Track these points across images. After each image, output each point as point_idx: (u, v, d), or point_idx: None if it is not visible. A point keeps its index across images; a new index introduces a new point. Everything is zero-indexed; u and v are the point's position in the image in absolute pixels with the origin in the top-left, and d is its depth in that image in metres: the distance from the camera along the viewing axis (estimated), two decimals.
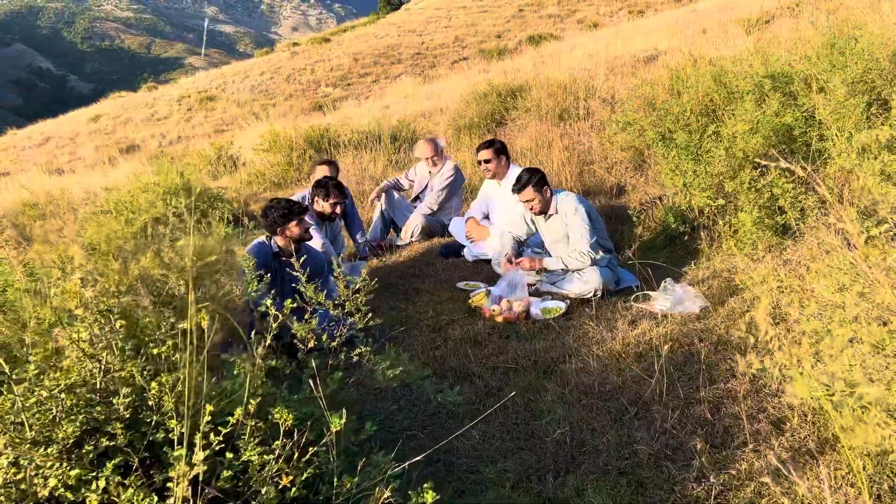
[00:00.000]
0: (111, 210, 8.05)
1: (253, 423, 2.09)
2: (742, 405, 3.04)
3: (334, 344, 3.17)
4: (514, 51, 29.24)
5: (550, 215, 4.93)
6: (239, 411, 2.08)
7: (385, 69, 39.66)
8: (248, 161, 14.75)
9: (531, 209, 4.89)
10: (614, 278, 4.88)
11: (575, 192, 6.63)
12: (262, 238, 4.48)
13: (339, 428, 2.14)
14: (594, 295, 4.69)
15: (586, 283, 4.67)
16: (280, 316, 2.50)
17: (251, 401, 2.11)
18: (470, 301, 4.90)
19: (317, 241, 4.93)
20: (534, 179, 4.80)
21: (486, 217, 6.09)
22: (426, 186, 6.71)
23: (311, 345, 2.83)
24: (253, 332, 2.62)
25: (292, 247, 4.50)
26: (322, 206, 5.20)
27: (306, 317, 3.13)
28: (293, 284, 4.54)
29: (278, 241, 4.45)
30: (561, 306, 4.57)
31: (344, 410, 2.24)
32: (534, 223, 5.17)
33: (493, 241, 5.74)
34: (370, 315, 3.17)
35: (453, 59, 38.49)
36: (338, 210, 5.22)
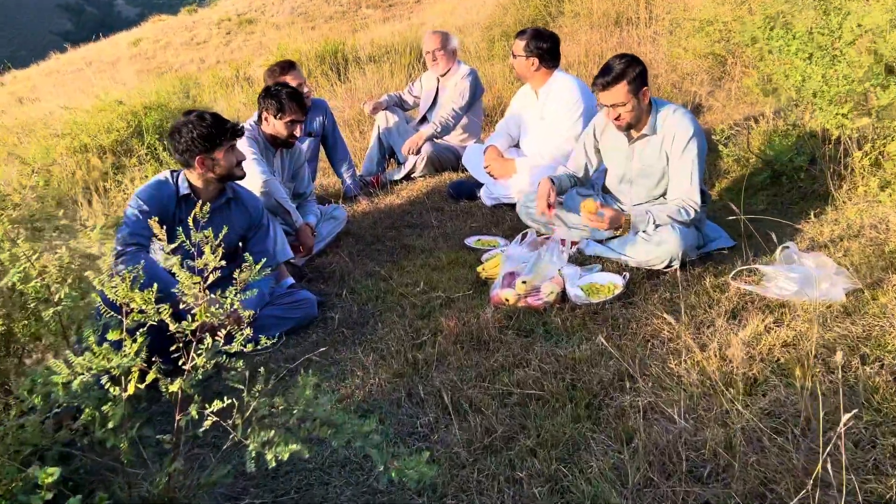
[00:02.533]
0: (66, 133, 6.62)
1: None
2: None
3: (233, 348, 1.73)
4: None
5: (642, 135, 3.25)
6: None
7: None
8: (252, 80, 13.27)
9: (617, 120, 3.17)
10: (699, 239, 3.24)
11: None
12: (165, 174, 2.95)
13: None
14: (668, 266, 3.06)
15: (658, 246, 3.04)
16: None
17: None
18: (480, 269, 3.33)
19: (255, 178, 3.38)
20: (631, 72, 3.06)
21: (517, 146, 4.43)
22: (435, 101, 5.04)
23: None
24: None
25: (212, 187, 2.96)
26: (273, 125, 3.61)
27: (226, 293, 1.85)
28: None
29: (191, 176, 2.92)
30: (616, 282, 2.96)
31: None
32: (598, 152, 3.50)
33: (522, 177, 4.10)
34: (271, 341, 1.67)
35: None
36: (296, 132, 3.64)
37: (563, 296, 2.93)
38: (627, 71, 3.06)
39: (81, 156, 6.48)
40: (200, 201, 2.95)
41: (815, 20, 3.34)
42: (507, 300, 2.92)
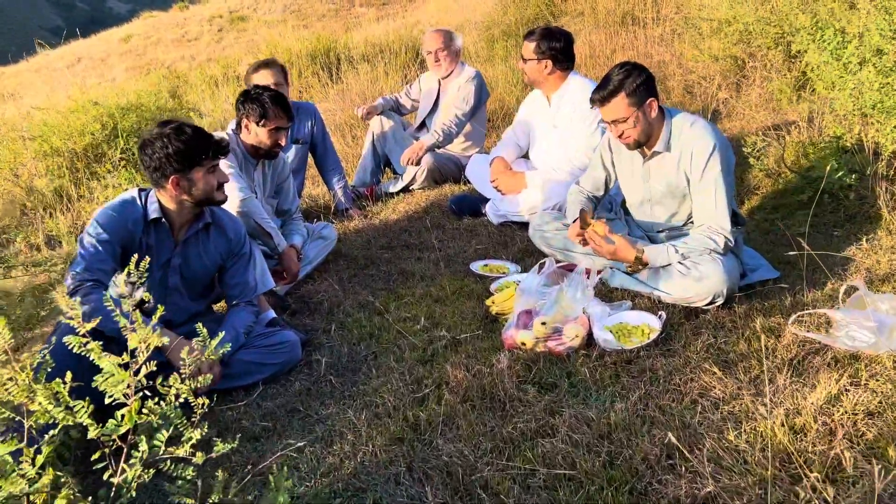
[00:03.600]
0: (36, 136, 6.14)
1: None
2: None
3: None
4: None
5: (655, 153, 2.82)
6: None
7: None
8: (241, 79, 12.83)
9: (621, 138, 2.76)
10: (740, 268, 2.82)
11: None
12: (133, 192, 2.50)
13: None
14: (712, 303, 2.64)
15: (699, 282, 2.61)
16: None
17: None
18: (490, 302, 2.90)
19: (232, 197, 2.93)
20: (631, 83, 2.63)
21: (526, 156, 4.00)
22: (435, 105, 4.60)
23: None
24: None
25: (187, 211, 2.51)
26: (256, 134, 3.17)
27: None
28: (185, 275, 2.60)
29: (163, 197, 2.46)
30: (651, 324, 2.54)
31: None
32: (614, 166, 3.07)
33: (533, 193, 3.67)
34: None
35: None
36: (281, 141, 3.19)
37: (588, 339, 2.51)
38: (626, 82, 2.64)
39: (52, 160, 6.02)
40: (174, 226, 2.54)
41: (875, 19, 2.92)
42: (523, 344, 2.50)
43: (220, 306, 2.97)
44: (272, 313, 2.87)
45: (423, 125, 4.74)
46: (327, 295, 3.20)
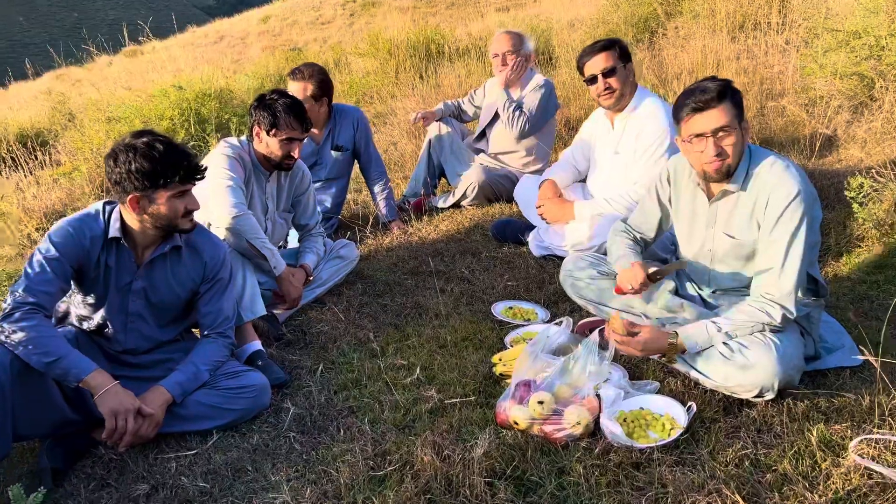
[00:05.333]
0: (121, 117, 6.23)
1: None
2: None
3: None
4: None
5: (726, 192, 2.28)
6: None
7: None
8: (351, 66, 12.85)
9: (717, 159, 2.15)
10: (812, 348, 2.27)
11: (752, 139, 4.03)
12: (97, 205, 2.28)
13: None
14: (759, 395, 2.11)
15: (744, 371, 2.08)
16: None
17: None
18: (496, 359, 2.49)
19: (223, 212, 2.66)
20: (732, 92, 2.16)
21: (583, 180, 3.53)
22: (496, 115, 4.17)
23: None
24: None
25: (152, 232, 2.26)
26: (266, 144, 2.89)
27: None
28: (151, 300, 2.36)
29: (126, 215, 2.22)
30: (675, 417, 2.06)
31: None
32: (671, 204, 2.56)
33: (580, 227, 3.20)
34: None
35: None
36: (294, 152, 2.90)
37: (596, 425, 2.06)
38: (729, 88, 2.13)
39: None
40: (137, 246, 2.30)
41: None
42: (515, 423, 2.08)
43: None
44: (256, 345, 2.60)
45: (482, 135, 4.33)
46: (328, 326, 2.89)
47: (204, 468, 2.10)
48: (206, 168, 2.23)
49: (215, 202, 2.68)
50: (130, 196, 2.15)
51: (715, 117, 2.13)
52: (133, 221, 2.23)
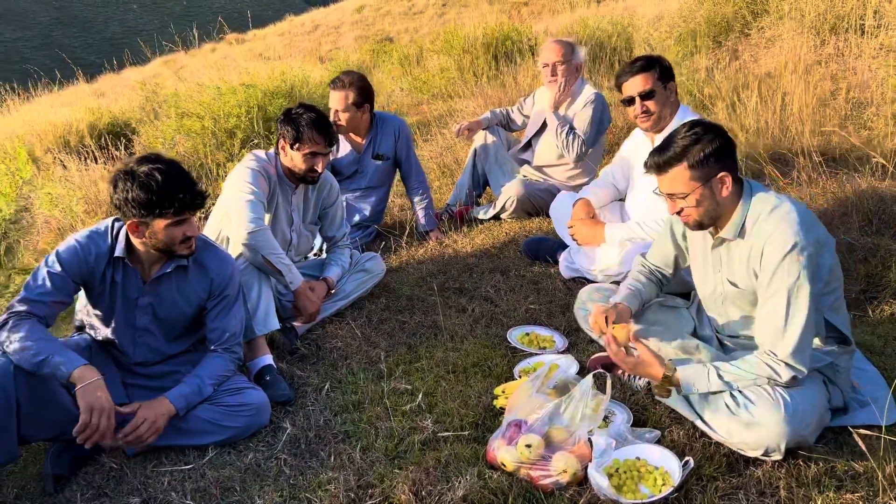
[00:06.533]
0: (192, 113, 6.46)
1: None
2: None
3: None
4: None
5: (722, 240, 2.19)
6: None
7: None
8: (426, 62, 12.88)
9: (679, 215, 2.17)
10: (838, 399, 2.10)
11: (815, 155, 3.79)
12: (106, 223, 2.35)
13: None
14: (765, 454, 1.96)
15: (748, 428, 1.94)
16: None
17: None
18: (499, 391, 2.43)
19: (240, 227, 2.69)
20: (698, 151, 2.05)
21: (622, 199, 3.39)
22: (542, 126, 4.05)
23: None
24: None
25: (155, 252, 2.31)
26: (291, 157, 2.92)
27: None
28: (159, 315, 2.43)
29: (135, 237, 2.28)
30: (671, 472, 1.94)
31: None
32: (685, 241, 2.43)
33: (610, 252, 3.07)
34: None
35: None
36: (317, 167, 2.91)
37: (584, 475, 1.97)
38: (691, 149, 2.04)
39: (199, 138, 6.29)
40: (142, 265, 2.35)
41: None
42: (503, 465, 2.02)
43: None
44: (266, 360, 2.63)
45: (528, 145, 4.23)
46: (342, 342, 2.89)
47: (194, 485, 2.14)
48: (207, 195, 2.27)
49: (235, 215, 2.73)
50: (129, 221, 2.21)
51: (667, 183, 2.13)
52: (136, 242, 2.28)
